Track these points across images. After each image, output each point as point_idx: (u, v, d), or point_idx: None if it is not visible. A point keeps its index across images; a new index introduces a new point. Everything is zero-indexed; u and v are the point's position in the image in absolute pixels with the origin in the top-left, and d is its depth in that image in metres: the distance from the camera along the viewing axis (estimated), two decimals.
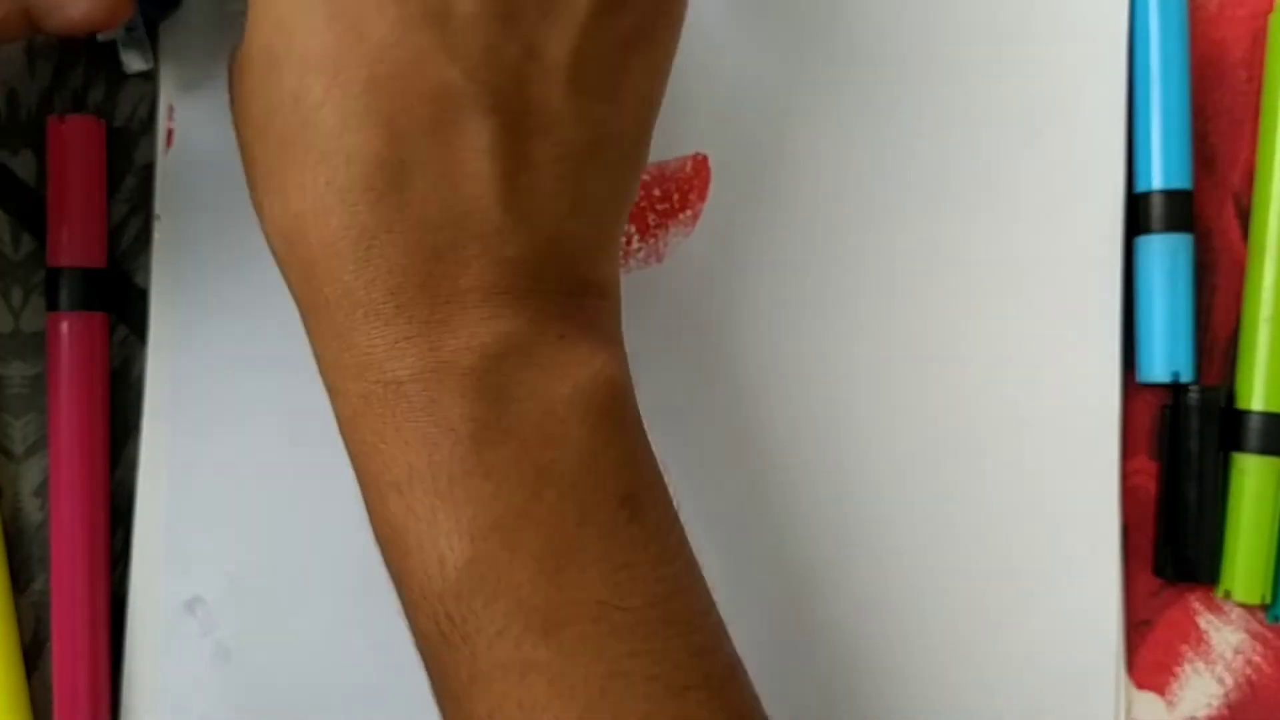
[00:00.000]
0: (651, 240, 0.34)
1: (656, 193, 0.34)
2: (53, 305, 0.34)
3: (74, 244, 0.34)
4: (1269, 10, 0.35)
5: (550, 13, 0.24)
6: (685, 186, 0.35)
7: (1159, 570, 0.34)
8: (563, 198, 0.24)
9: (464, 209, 0.23)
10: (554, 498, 0.23)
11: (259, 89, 0.24)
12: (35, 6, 0.29)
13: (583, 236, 0.25)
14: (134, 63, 0.33)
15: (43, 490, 0.35)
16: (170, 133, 0.34)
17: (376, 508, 0.24)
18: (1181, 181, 0.34)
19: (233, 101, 0.26)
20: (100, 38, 0.33)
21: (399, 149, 0.23)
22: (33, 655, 0.35)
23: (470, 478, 0.22)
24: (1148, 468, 0.35)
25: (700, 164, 0.35)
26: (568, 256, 0.24)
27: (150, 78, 0.35)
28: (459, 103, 0.23)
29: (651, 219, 0.34)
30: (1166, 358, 0.34)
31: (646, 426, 0.34)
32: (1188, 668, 0.35)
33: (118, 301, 0.35)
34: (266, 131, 0.24)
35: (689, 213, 0.35)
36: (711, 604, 0.25)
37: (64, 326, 0.34)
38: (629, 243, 0.34)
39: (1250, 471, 0.33)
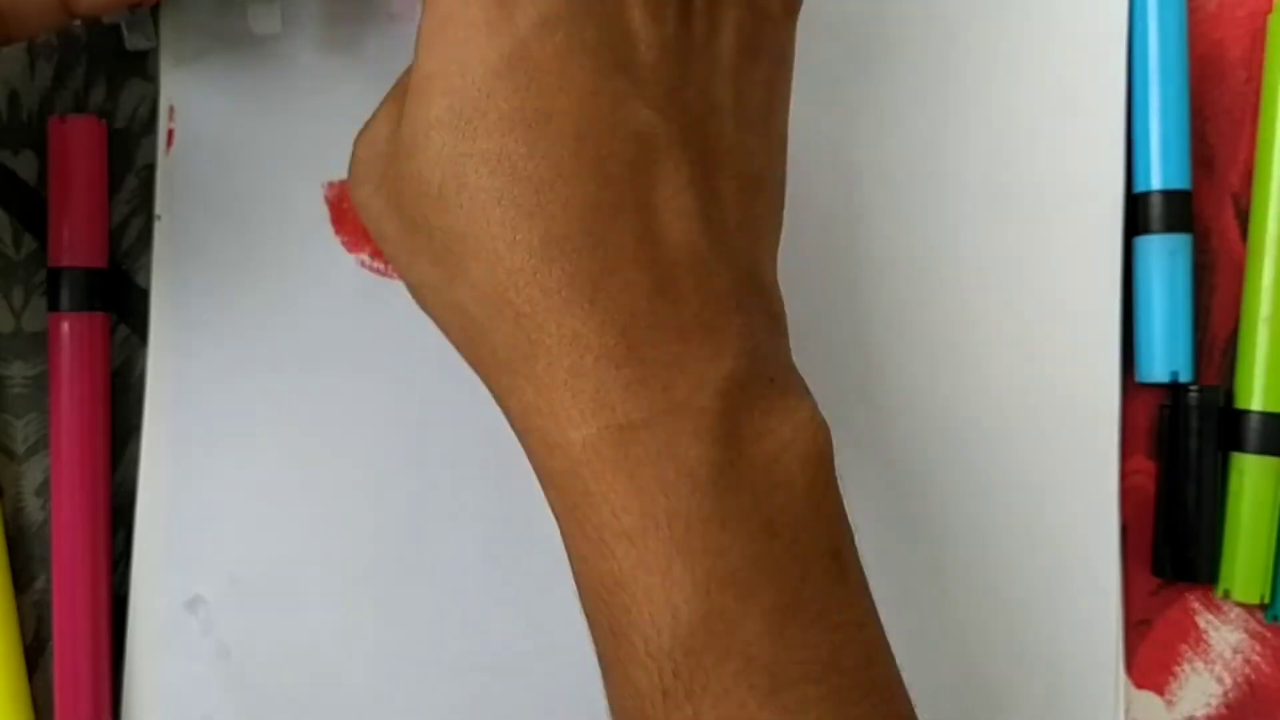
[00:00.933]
0: None
1: None
2: (54, 305, 0.34)
3: (75, 244, 0.34)
4: (1268, 10, 0.35)
5: (709, 59, 0.25)
6: None
7: (1158, 570, 0.34)
8: (746, 229, 0.25)
9: (674, 244, 0.23)
10: (780, 549, 0.22)
11: (441, 157, 0.23)
12: None
13: (766, 265, 0.26)
14: (139, 42, 0.33)
15: (44, 490, 0.35)
16: (171, 133, 0.35)
17: (596, 562, 0.23)
18: (1180, 182, 0.34)
19: (387, 181, 0.25)
20: (105, 19, 0.34)
21: (611, 192, 0.23)
22: (34, 655, 0.35)
23: (708, 525, 0.22)
24: (1146, 467, 0.35)
25: None
26: (760, 287, 0.25)
27: (150, 78, 0.35)
28: (656, 143, 0.23)
29: None
30: (1165, 357, 0.34)
31: None
32: (1187, 667, 0.35)
33: (119, 301, 0.35)
34: (452, 200, 0.23)
35: None
36: (899, 673, 0.25)
37: (65, 327, 0.34)
38: None
39: (1249, 471, 0.33)
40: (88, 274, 0.34)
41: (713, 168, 0.24)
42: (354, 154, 0.27)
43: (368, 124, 0.27)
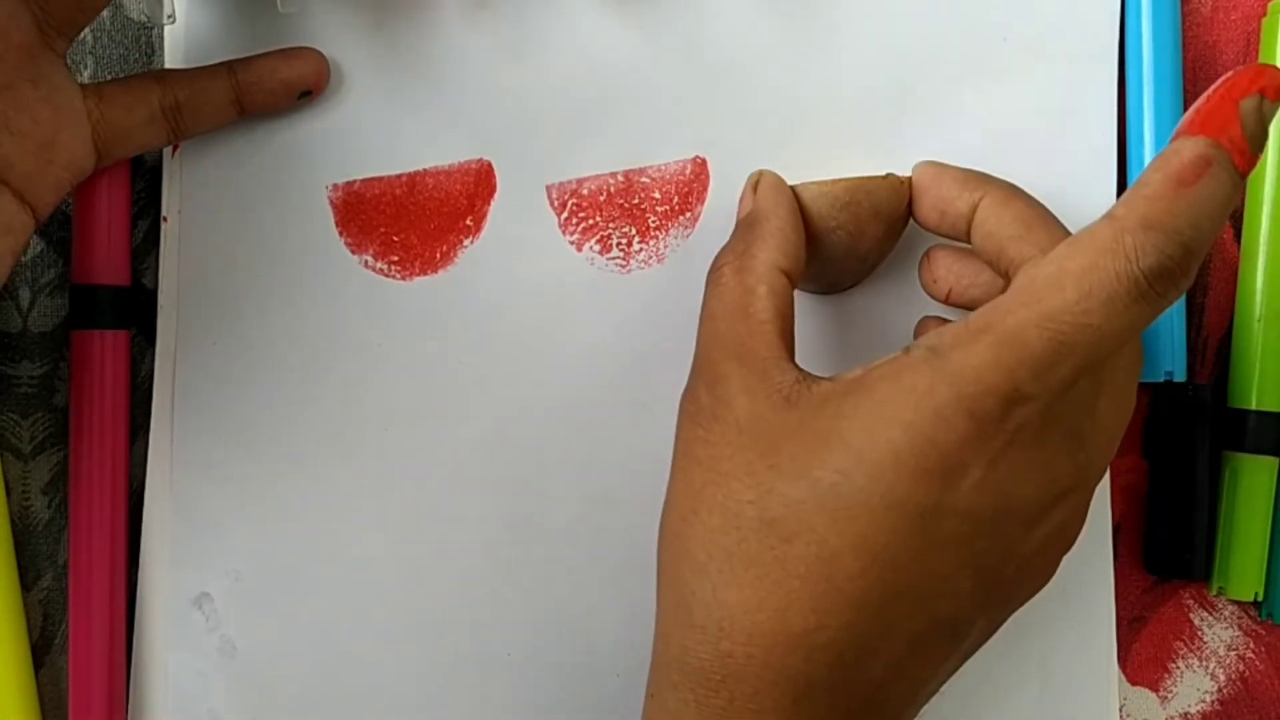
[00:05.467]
0: (652, 241, 0.35)
1: (657, 195, 0.35)
2: (80, 323, 0.34)
3: (103, 263, 0.34)
4: (1262, 14, 0.35)
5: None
6: (685, 188, 0.35)
7: (1152, 567, 0.35)
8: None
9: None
10: None
11: (800, 494, 0.25)
12: (242, 85, 0.33)
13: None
14: (160, 17, 0.33)
15: (51, 488, 0.35)
16: None
17: None
18: None
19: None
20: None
21: (883, 641, 0.25)
22: (41, 652, 0.35)
23: None
24: (1139, 466, 0.35)
25: (700, 166, 0.35)
26: None
27: None
28: (951, 633, 0.26)
29: (652, 220, 0.35)
30: (1159, 357, 0.34)
31: (647, 424, 0.34)
32: (1181, 664, 0.35)
33: (136, 312, 0.35)
34: (776, 533, 0.26)
35: (689, 214, 0.35)
36: None
37: (90, 344, 0.34)
38: (629, 244, 0.35)
39: (1242, 469, 0.34)
40: (115, 293, 0.34)
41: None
42: None
43: None
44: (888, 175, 0.31)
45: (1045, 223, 0.29)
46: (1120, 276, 0.23)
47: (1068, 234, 0.29)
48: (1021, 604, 0.28)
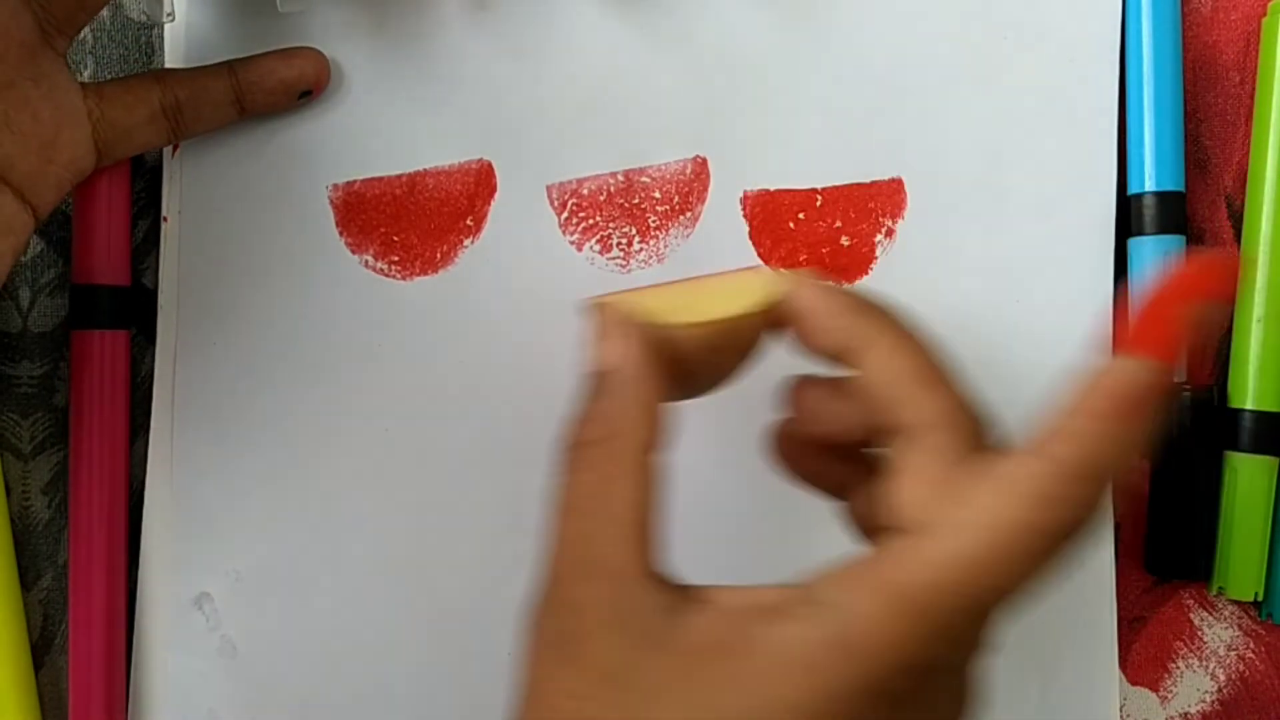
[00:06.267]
0: (652, 241, 0.35)
1: (657, 195, 0.35)
2: (80, 322, 0.34)
3: (103, 264, 0.34)
4: (1262, 14, 0.35)
5: None
6: (685, 188, 0.35)
7: (1152, 567, 0.35)
8: None
9: None
10: None
11: None
12: (243, 85, 0.33)
13: None
14: (160, 16, 0.33)
15: (51, 488, 0.35)
16: None
17: None
18: (1174, 183, 0.34)
19: None
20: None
21: None
22: (40, 652, 0.35)
23: None
24: (1139, 466, 0.35)
25: (700, 165, 0.35)
26: None
27: None
28: None
29: (652, 220, 0.35)
30: None
31: None
32: (1181, 664, 0.35)
33: (136, 312, 0.35)
34: None
35: (689, 214, 0.35)
36: None
37: (91, 344, 0.34)
38: (630, 244, 0.35)
39: (1242, 469, 0.34)
40: (115, 293, 0.34)
41: None
42: None
43: None
44: (753, 314, 0.26)
45: (934, 383, 0.24)
46: (1034, 532, 0.21)
47: (956, 396, 0.24)
48: None
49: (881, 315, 0.25)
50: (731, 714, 0.21)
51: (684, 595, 0.22)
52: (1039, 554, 0.21)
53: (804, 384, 0.27)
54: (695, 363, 0.26)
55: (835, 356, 0.25)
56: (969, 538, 0.20)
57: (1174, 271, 0.21)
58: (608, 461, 0.24)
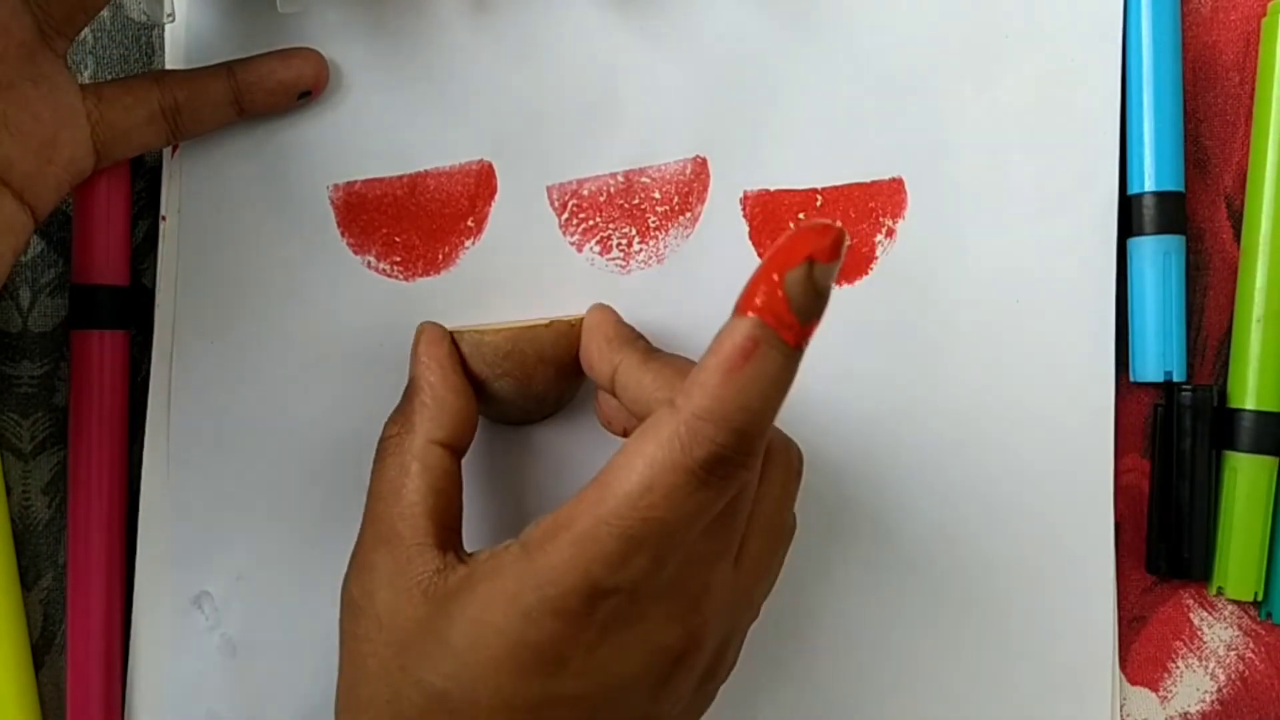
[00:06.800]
0: (652, 242, 0.35)
1: (657, 195, 0.35)
2: (79, 322, 0.34)
3: (102, 264, 0.34)
4: (1262, 14, 0.35)
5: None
6: (685, 188, 0.35)
7: (1152, 567, 0.35)
8: None
9: None
10: None
11: (425, 702, 0.26)
12: (241, 86, 0.33)
13: None
14: (160, 16, 0.33)
15: (51, 488, 0.35)
16: None
17: None
18: (1174, 183, 0.34)
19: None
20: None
21: None
22: (41, 651, 0.35)
23: None
24: (1140, 466, 0.35)
25: (700, 166, 0.35)
26: None
27: None
28: None
29: (652, 221, 0.35)
30: (1159, 357, 0.34)
31: None
32: (1180, 663, 0.35)
33: (135, 313, 0.35)
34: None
35: (689, 214, 0.35)
36: None
37: (90, 343, 0.34)
38: (629, 244, 0.35)
39: (1242, 469, 0.34)
40: (114, 293, 0.34)
41: None
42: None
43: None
44: (552, 322, 0.31)
45: (685, 376, 0.27)
46: (677, 469, 0.23)
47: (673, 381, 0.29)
48: None
49: (629, 341, 0.31)
50: (457, 643, 0.25)
51: (456, 559, 0.27)
52: (683, 487, 0.23)
53: (601, 394, 0.32)
54: (492, 365, 0.31)
55: (602, 382, 0.31)
56: (623, 476, 0.24)
57: (779, 240, 0.23)
58: (404, 453, 0.29)
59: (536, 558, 0.25)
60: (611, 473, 0.24)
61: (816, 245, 0.23)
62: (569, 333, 0.31)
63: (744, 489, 0.26)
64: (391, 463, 0.29)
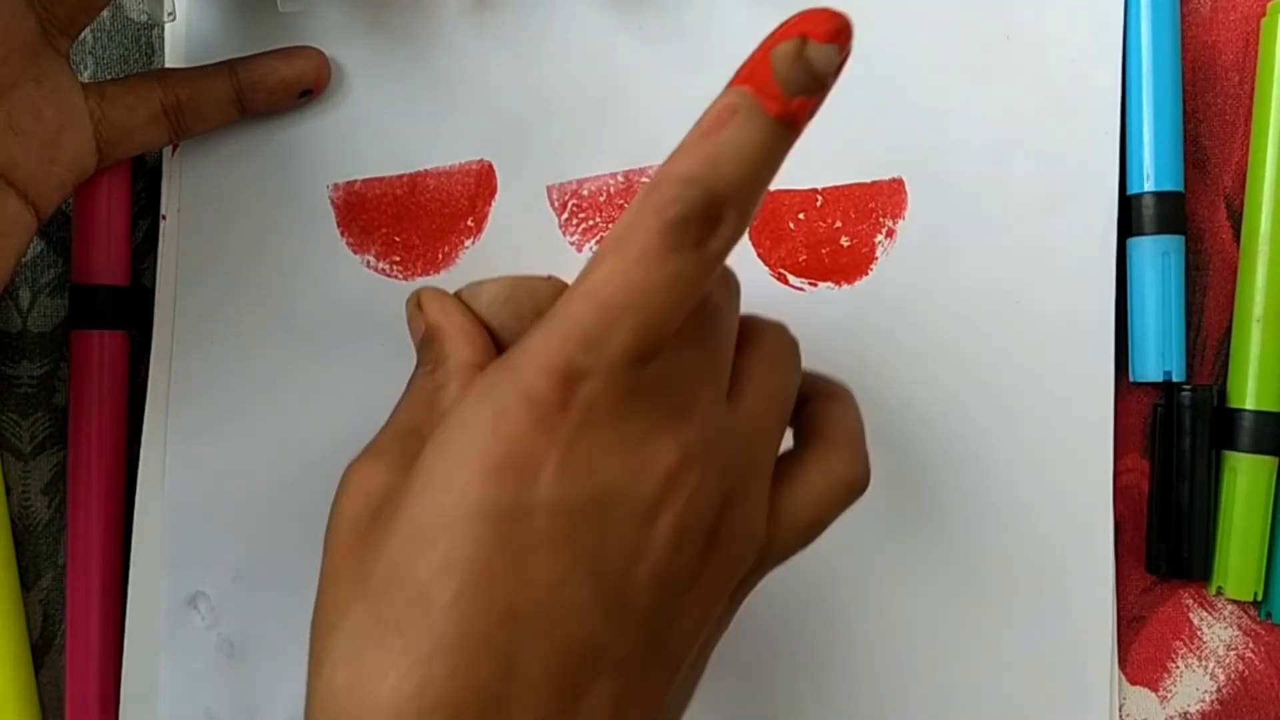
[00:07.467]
0: None
1: None
2: (79, 322, 0.34)
3: (102, 264, 0.34)
4: (1261, 14, 0.35)
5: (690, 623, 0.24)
6: None
7: (1152, 567, 0.35)
8: None
9: None
10: None
11: (390, 539, 0.23)
12: (243, 84, 0.33)
13: None
14: (161, 15, 0.33)
15: (51, 488, 0.35)
16: None
17: None
18: (1173, 183, 0.34)
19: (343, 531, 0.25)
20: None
21: (511, 686, 0.21)
22: (40, 651, 0.35)
23: None
24: (1139, 466, 0.35)
25: None
26: None
27: None
28: (596, 665, 0.22)
29: None
30: (1158, 357, 0.34)
31: None
32: (1180, 663, 0.35)
33: (135, 313, 0.35)
34: (373, 591, 0.22)
35: None
36: None
37: (89, 344, 0.34)
38: None
39: (1242, 469, 0.34)
40: (114, 293, 0.34)
41: (640, 698, 0.23)
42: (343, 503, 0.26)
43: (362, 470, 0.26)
44: (550, 276, 0.30)
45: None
46: (649, 230, 0.22)
47: None
48: (697, 632, 0.24)
49: None
50: (428, 455, 0.23)
51: None
52: (655, 248, 0.22)
53: None
54: (489, 316, 0.28)
55: None
56: (601, 250, 0.23)
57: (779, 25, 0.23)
58: (439, 375, 0.27)
59: (515, 349, 0.23)
60: (594, 254, 0.23)
61: (812, 24, 0.23)
62: (564, 290, 0.30)
63: (718, 315, 0.25)
64: (426, 384, 0.27)
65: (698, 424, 0.24)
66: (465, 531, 0.21)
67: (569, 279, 0.35)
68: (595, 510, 0.22)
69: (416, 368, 0.28)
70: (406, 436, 0.26)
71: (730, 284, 0.27)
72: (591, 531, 0.22)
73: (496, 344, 0.29)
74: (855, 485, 0.27)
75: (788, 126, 0.23)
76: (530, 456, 0.22)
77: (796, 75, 0.23)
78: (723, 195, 0.23)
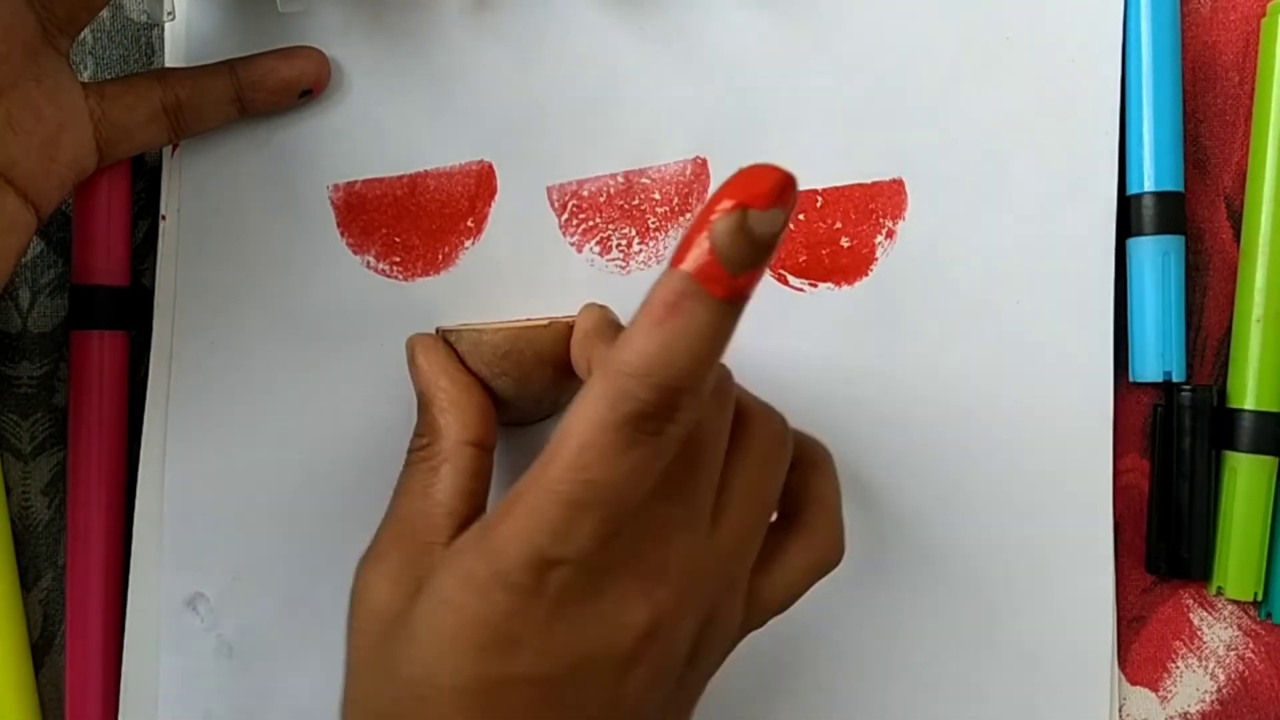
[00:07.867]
0: (652, 242, 0.35)
1: (657, 196, 0.35)
2: (79, 323, 0.34)
3: (102, 264, 0.34)
4: (1261, 14, 0.35)
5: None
6: (685, 189, 0.35)
7: (1151, 567, 0.35)
8: None
9: None
10: None
11: (396, 684, 0.25)
12: (243, 84, 0.33)
13: None
14: (160, 15, 0.33)
15: (51, 489, 0.35)
16: None
17: None
18: (1173, 184, 0.34)
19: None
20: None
21: None
22: (40, 652, 0.35)
23: None
24: (1139, 466, 0.35)
25: (700, 167, 0.35)
26: None
27: None
28: None
29: (652, 221, 0.35)
30: (1158, 357, 0.34)
31: None
32: (1180, 663, 0.35)
33: (134, 313, 0.35)
34: None
35: (689, 215, 0.35)
36: None
37: (89, 344, 0.34)
38: (629, 245, 0.35)
39: (1241, 469, 0.34)
40: (114, 293, 0.34)
41: None
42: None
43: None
44: (551, 322, 0.30)
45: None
46: (605, 427, 0.23)
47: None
48: (680, 717, 0.28)
49: (612, 334, 0.30)
50: (420, 626, 0.25)
51: None
52: (612, 446, 0.23)
53: None
54: (490, 365, 0.30)
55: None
56: (563, 440, 0.23)
57: (716, 191, 0.23)
58: (434, 457, 0.29)
59: (489, 533, 0.24)
60: (556, 439, 0.24)
61: (750, 191, 0.22)
62: (567, 334, 0.31)
63: (701, 452, 0.25)
64: (421, 467, 0.29)
65: (673, 576, 0.25)
66: (458, 701, 0.24)
67: (567, 291, 0.35)
68: (573, 676, 0.24)
69: (413, 435, 0.30)
70: (406, 539, 0.28)
71: (723, 397, 0.27)
72: (572, 689, 0.24)
73: (495, 394, 0.31)
74: (831, 563, 0.29)
75: (736, 303, 0.23)
76: (511, 636, 0.24)
77: (741, 253, 0.22)
78: (676, 388, 0.23)
